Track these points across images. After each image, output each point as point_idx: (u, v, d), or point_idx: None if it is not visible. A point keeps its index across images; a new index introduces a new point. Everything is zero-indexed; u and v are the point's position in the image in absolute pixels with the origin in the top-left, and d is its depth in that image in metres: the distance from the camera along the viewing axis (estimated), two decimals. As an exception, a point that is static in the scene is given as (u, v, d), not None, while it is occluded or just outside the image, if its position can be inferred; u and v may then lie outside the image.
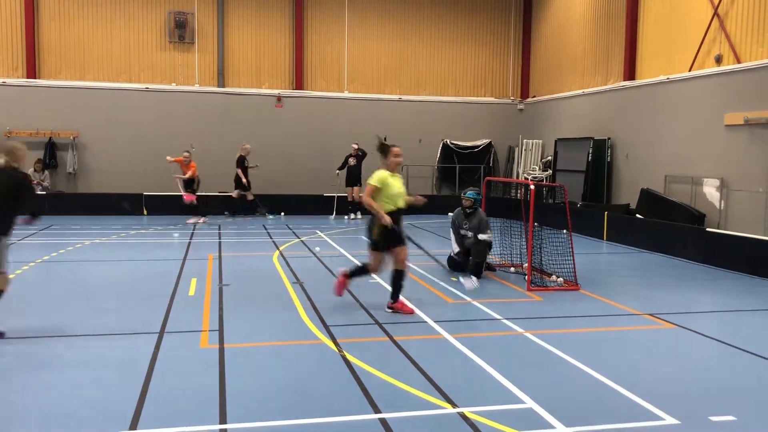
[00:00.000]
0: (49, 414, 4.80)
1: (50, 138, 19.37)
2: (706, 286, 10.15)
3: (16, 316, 7.57)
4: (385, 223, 7.54)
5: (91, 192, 19.41)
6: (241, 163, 17.96)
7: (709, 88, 14.42)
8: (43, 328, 7.12)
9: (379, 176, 7.84)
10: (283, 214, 18.72)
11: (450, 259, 10.49)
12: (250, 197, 18.16)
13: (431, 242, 14.25)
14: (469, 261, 9.94)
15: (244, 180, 17.91)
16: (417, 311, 7.93)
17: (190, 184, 17.15)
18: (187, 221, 16.84)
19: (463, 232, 10.31)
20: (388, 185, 7.82)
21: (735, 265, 11.32)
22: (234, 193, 18.12)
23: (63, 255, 11.67)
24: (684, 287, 10.03)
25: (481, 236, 9.93)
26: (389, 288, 7.99)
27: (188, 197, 16.95)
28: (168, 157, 17.16)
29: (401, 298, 7.92)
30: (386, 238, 7.69)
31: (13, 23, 19.26)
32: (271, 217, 18.15)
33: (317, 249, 12.62)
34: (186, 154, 17.18)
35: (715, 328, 7.60)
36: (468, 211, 10.26)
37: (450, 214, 19.72)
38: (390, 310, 7.84)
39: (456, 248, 10.45)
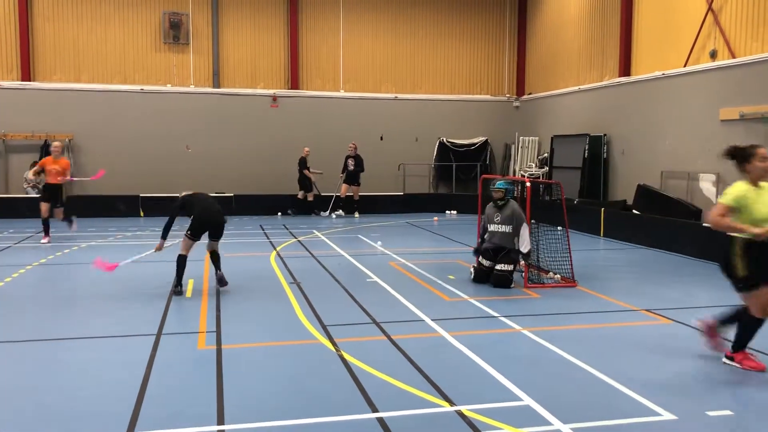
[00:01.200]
0: (48, 416, 4.79)
1: (45, 140, 19.31)
2: (703, 281, 10.16)
3: (14, 318, 7.57)
4: (757, 235, 5.46)
5: (87, 194, 19.37)
6: (303, 164, 18.65)
7: (705, 84, 14.43)
8: (40, 330, 7.11)
9: (735, 193, 5.66)
10: (280, 214, 18.73)
11: (476, 272, 9.61)
12: (308, 197, 18.74)
13: (428, 242, 14.24)
14: (496, 268, 9.29)
15: (313, 179, 18.62)
16: (414, 309, 7.93)
17: (55, 194, 13.40)
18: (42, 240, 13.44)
19: (493, 228, 9.54)
20: (750, 206, 5.60)
21: (732, 259, 11.31)
22: (309, 196, 18.75)
23: (60, 258, 11.66)
24: (681, 282, 10.04)
25: (523, 249, 9.29)
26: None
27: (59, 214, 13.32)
28: (29, 175, 14.39)
29: (747, 349, 5.98)
30: (760, 267, 5.66)
31: (7, 25, 19.21)
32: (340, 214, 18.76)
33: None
34: (57, 144, 13.35)
35: (712, 323, 7.60)
36: (500, 203, 9.52)
37: (447, 212, 19.86)
38: (728, 361, 5.99)
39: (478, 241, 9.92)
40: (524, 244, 9.36)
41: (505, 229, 9.46)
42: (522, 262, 9.65)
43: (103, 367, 5.89)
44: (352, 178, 18.54)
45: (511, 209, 9.47)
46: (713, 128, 14.05)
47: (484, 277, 9.45)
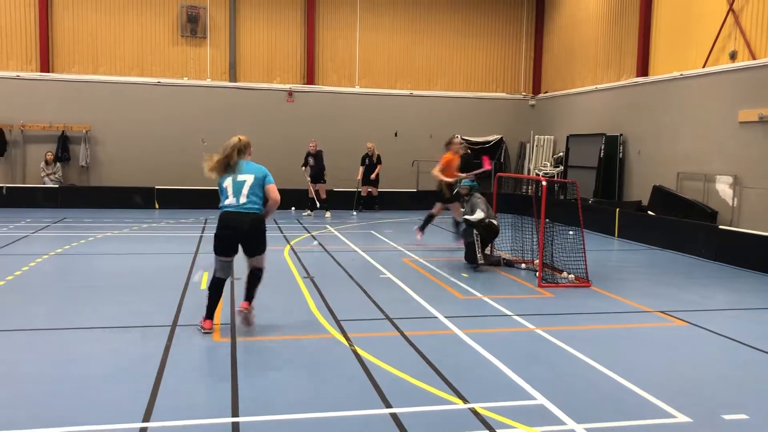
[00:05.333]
0: (62, 406, 4.83)
1: (63, 131, 19.48)
2: (719, 284, 10.09)
3: (30, 307, 7.64)
4: None
5: (103, 185, 19.53)
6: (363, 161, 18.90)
7: (724, 85, 14.30)
8: (56, 319, 7.17)
9: None
10: (293, 209, 18.75)
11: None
12: (366, 193, 18.91)
13: (441, 239, 14.22)
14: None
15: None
16: (427, 306, 7.93)
17: None
18: None
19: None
20: None
21: (748, 262, 11.25)
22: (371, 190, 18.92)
23: (75, 248, 11.75)
24: (696, 284, 9.97)
25: (466, 217, 10.52)
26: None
27: None
28: None
29: None
30: None
31: (27, 17, 19.36)
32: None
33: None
34: None
35: (727, 325, 7.55)
36: (465, 199, 10.93)
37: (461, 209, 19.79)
38: None
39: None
40: (469, 217, 10.44)
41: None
42: (534, 261, 9.63)
43: (118, 357, 5.93)
44: (317, 176, 17.86)
45: (471, 203, 10.73)
46: (731, 130, 13.93)
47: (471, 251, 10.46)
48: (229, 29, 20.73)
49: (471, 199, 10.74)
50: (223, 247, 6.64)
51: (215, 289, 6.69)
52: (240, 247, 6.68)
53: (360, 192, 18.94)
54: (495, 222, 10.59)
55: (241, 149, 6.57)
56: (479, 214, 10.37)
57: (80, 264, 10.54)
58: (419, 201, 19.90)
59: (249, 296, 6.93)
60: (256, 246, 6.68)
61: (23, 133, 19.38)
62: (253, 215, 6.53)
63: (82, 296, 8.27)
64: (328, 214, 17.80)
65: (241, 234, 6.55)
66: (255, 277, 6.89)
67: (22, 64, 19.44)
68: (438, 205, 12.43)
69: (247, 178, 6.53)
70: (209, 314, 6.68)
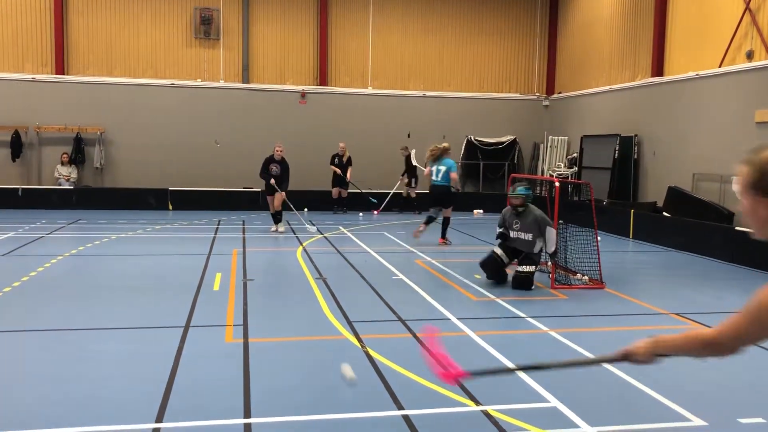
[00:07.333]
0: (75, 406, 4.86)
1: (78, 133, 19.63)
2: (734, 286, 9.98)
3: (44, 308, 7.69)
4: None
5: (118, 187, 19.65)
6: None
7: (740, 85, 14.16)
8: (70, 320, 7.22)
9: None
10: (306, 209, 18.75)
11: (487, 260, 9.30)
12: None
13: (454, 240, 14.17)
14: (518, 270, 9.14)
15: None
16: (440, 308, 7.91)
17: None
18: None
19: (514, 234, 9.29)
20: None
21: (764, 264, 11.11)
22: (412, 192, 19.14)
23: (90, 249, 11.82)
24: (711, 286, 9.87)
25: (550, 249, 9.16)
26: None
27: None
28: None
29: None
30: None
31: (42, 21, 19.53)
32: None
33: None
34: None
35: (744, 328, 7.45)
36: (519, 209, 9.22)
37: (475, 211, 19.73)
38: None
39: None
40: (551, 245, 9.21)
41: (526, 236, 9.20)
42: (548, 263, 9.57)
43: (131, 358, 5.95)
44: (279, 185, 14.19)
45: (533, 216, 9.19)
46: (748, 130, 13.78)
47: (493, 265, 9.23)
48: (242, 31, 20.82)
49: (532, 212, 9.19)
50: (431, 201, 13.08)
51: (429, 219, 12.98)
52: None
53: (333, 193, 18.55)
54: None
55: (444, 151, 12.87)
56: (553, 244, 9.11)
57: (94, 265, 10.61)
58: (431, 202, 19.78)
59: (442, 234, 12.97)
60: (443, 202, 12.87)
61: (38, 135, 19.55)
62: (441, 186, 12.79)
63: (96, 297, 8.31)
64: (276, 227, 14.55)
65: (435, 195, 12.95)
66: (445, 221, 12.94)
67: (38, 66, 19.62)
68: None
69: (442, 168, 12.72)
70: (425, 223, 13.01)
